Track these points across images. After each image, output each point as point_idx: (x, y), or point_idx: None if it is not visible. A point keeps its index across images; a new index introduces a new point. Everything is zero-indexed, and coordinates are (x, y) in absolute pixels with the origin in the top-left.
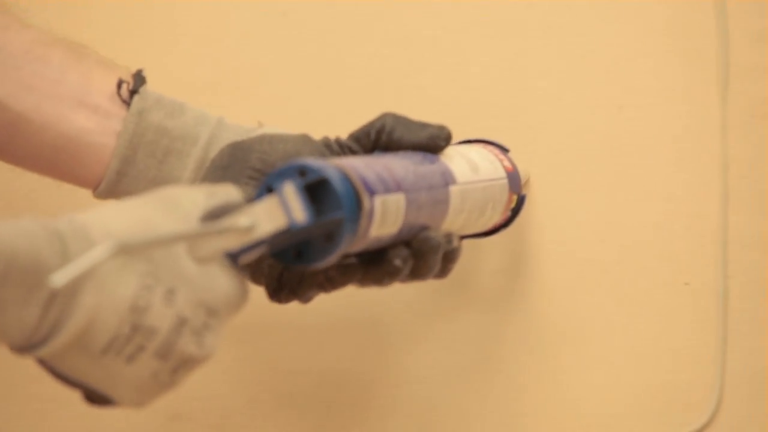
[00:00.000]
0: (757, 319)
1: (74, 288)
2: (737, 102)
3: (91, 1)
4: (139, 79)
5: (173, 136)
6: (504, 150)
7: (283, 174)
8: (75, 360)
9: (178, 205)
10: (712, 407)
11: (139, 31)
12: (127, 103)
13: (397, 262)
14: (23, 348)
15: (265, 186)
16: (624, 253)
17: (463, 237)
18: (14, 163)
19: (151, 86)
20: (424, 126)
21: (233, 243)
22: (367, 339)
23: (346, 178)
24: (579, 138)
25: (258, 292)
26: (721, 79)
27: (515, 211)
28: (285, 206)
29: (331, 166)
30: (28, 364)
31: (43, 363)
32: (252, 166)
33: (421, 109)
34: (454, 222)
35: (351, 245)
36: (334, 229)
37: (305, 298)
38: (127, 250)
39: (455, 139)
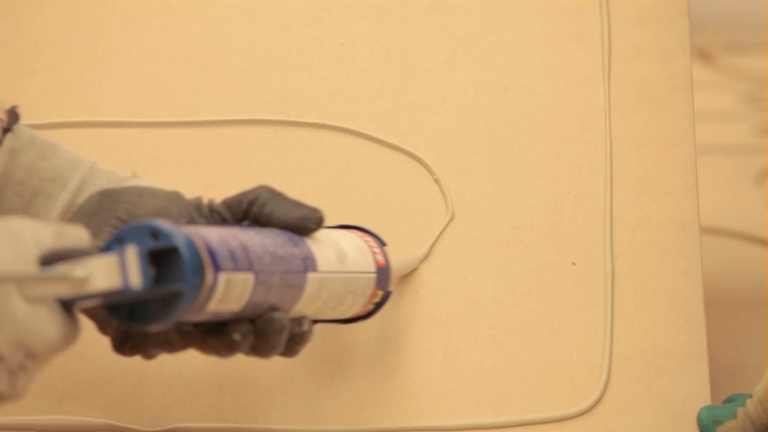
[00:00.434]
0: (644, 299)
1: None
2: (621, 83)
3: None
4: (13, 116)
5: (43, 177)
6: (381, 243)
7: (136, 231)
8: None
9: (19, 240)
10: (600, 387)
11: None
12: None
13: (236, 336)
14: None
15: (115, 238)
16: (512, 233)
17: (317, 321)
18: None
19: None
20: (297, 206)
21: (65, 291)
22: None
23: (195, 250)
24: (466, 119)
25: None
26: (605, 60)
27: (378, 305)
28: (123, 267)
29: (183, 235)
30: None
31: None
32: (118, 216)
33: (306, 91)
34: (307, 307)
35: (187, 315)
36: (171, 299)
37: (148, 355)
38: None
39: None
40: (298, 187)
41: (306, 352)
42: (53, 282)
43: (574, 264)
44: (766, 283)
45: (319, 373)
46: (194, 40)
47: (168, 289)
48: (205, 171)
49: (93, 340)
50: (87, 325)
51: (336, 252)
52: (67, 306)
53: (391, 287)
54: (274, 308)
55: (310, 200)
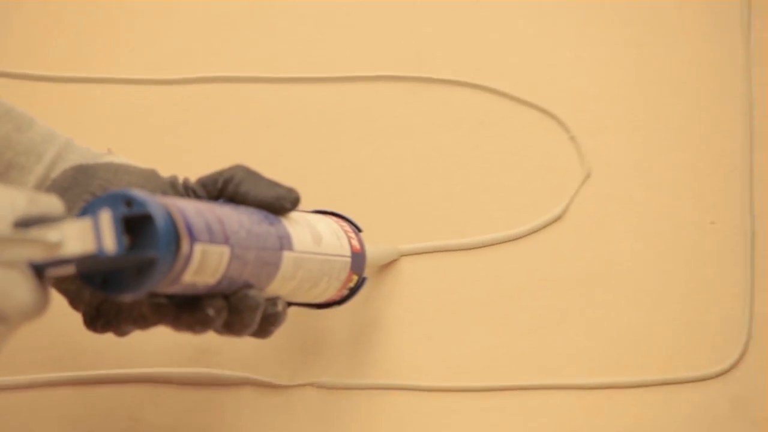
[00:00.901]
0: None
1: None
2: (762, 38)
3: None
4: None
5: (18, 150)
6: (357, 230)
7: (109, 200)
8: None
9: None
10: (740, 347)
11: None
12: None
13: (210, 311)
14: None
15: (89, 206)
16: (649, 192)
17: (291, 304)
18: None
19: None
20: (273, 185)
21: (39, 254)
22: None
23: (170, 218)
24: (601, 76)
25: None
26: (743, 15)
27: (353, 291)
28: (97, 231)
29: (158, 203)
30: None
31: None
32: (92, 192)
33: (441, 47)
34: (282, 287)
35: (162, 285)
36: (146, 266)
37: (121, 332)
38: None
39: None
40: (432, 144)
41: (441, 306)
42: (27, 245)
43: (713, 223)
44: None
45: (451, 328)
46: None
47: (142, 256)
48: (340, 126)
49: None
50: None
51: (312, 233)
52: (40, 272)
53: (366, 274)
54: (248, 285)
55: (444, 158)
